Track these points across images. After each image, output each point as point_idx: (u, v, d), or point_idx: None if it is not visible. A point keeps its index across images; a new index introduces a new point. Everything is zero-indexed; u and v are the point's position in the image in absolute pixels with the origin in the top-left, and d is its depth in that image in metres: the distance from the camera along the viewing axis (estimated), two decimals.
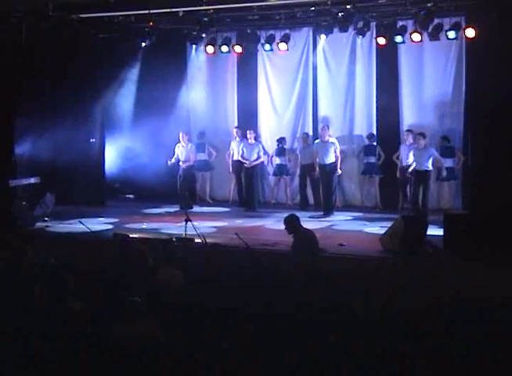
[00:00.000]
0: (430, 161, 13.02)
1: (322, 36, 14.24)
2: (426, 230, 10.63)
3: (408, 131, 13.92)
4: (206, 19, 13.69)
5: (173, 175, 14.99)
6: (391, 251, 10.31)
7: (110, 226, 12.87)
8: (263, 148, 15.17)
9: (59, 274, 6.19)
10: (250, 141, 14.89)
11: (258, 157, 14.89)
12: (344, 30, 13.45)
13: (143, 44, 14.84)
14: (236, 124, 15.82)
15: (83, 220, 10.87)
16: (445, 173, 13.41)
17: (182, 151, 14.96)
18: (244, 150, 14.91)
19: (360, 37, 13.94)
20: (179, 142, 14.94)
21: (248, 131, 14.94)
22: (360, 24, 13.47)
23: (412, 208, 13.15)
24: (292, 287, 6.76)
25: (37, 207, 13.46)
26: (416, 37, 13.18)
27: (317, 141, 14.20)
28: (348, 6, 12.85)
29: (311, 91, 15.19)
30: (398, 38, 13.53)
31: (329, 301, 6.05)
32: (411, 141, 13.65)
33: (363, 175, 14.71)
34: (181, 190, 14.90)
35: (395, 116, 14.54)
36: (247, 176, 14.95)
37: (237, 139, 15.23)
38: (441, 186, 14.06)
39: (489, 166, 11.46)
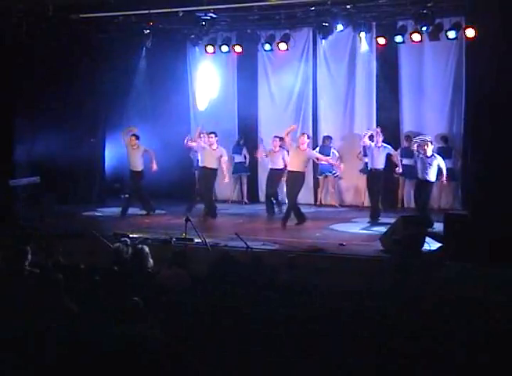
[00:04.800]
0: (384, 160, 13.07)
1: (324, 41, 14.30)
2: (427, 229, 10.65)
3: (370, 134, 13.60)
4: (206, 19, 13.70)
5: (172, 175, 14.96)
6: (391, 251, 10.31)
7: None
8: (221, 153, 13.52)
9: (57, 274, 6.18)
10: (211, 146, 13.40)
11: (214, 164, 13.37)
12: (343, 30, 13.46)
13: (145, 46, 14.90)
14: (236, 125, 15.83)
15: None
16: (400, 169, 13.32)
17: (132, 154, 13.74)
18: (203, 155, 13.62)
19: (360, 37, 13.95)
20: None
21: (209, 136, 13.47)
22: (360, 24, 13.48)
23: (373, 210, 13.19)
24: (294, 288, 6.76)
25: (38, 207, 13.45)
26: (416, 37, 13.20)
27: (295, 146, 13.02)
28: (348, 6, 12.87)
29: (312, 91, 15.20)
30: (398, 38, 13.56)
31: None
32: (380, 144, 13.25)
33: (362, 174, 14.67)
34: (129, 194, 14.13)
35: (395, 116, 14.56)
36: (201, 183, 13.72)
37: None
38: (441, 187, 14.04)
39: (489, 166, 11.43)
